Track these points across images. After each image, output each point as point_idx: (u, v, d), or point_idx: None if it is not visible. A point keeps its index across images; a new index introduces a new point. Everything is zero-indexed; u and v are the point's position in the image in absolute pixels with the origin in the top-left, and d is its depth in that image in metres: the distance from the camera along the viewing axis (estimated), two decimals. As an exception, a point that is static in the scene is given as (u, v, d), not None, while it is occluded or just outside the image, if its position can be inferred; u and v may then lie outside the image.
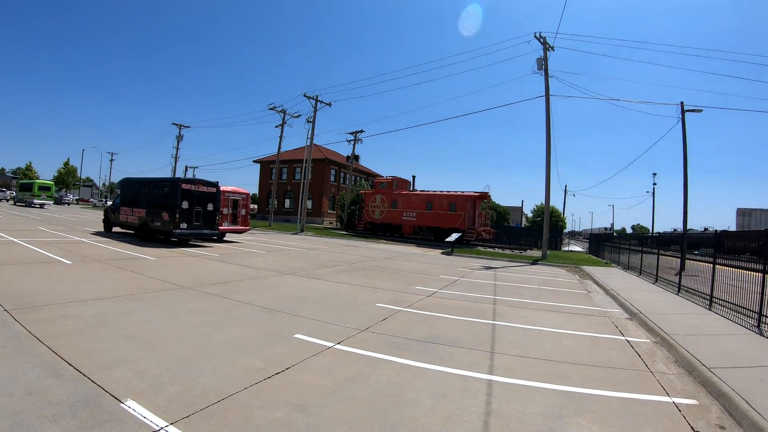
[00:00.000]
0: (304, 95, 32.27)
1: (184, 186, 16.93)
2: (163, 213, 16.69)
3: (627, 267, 18.72)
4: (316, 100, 32.70)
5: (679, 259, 17.17)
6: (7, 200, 55.19)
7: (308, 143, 32.90)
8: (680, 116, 23.99)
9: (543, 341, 6.14)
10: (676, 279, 11.98)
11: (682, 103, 23.93)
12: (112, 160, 79.79)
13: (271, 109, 35.60)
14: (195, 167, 73.97)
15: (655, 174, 70.63)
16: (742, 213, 49.19)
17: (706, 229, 53.99)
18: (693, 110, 23.82)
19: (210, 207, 17.77)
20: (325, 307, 7.34)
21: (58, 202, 61.22)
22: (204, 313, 6.31)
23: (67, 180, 79.83)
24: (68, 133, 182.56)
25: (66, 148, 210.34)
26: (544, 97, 22.87)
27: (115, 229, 19.91)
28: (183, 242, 17.73)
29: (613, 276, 16.02)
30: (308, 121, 32.84)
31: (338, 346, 5.14)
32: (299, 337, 5.39)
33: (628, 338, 6.76)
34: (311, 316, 6.60)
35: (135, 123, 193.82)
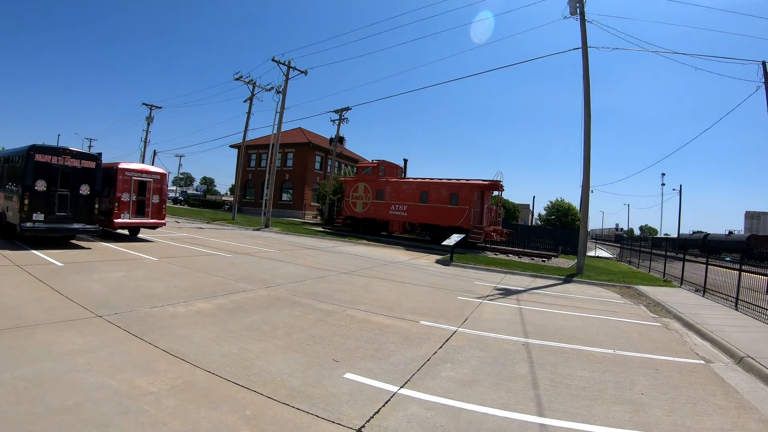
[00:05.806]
0: (273, 59, 26.01)
1: (39, 157, 11.13)
2: (14, 198, 11.27)
3: (702, 290, 12.64)
4: (288, 67, 26.43)
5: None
6: None
7: (276, 117, 26.73)
8: (763, 80, 18.00)
9: None
10: None
11: (764, 62, 18.02)
12: (90, 146, 73.32)
13: (237, 79, 29.28)
14: (182, 155, 67.80)
15: (663, 174, 65.05)
16: (750, 216, 47.26)
17: (730, 232, 48.35)
18: (780, 73, 17.97)
19: (84, 190, 11.88)
20: None
21: None
22: None
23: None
24: (45, 119, 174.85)
25: (44, 134, 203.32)
26: (580, 49, 16.62)
27: None
28: (65, 240, 12.42)
29: (702, 310, 10.09)
30: (278, 92, 26.66)
31: None
32: None
33: None
34: None
35: (113, 108, 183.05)
